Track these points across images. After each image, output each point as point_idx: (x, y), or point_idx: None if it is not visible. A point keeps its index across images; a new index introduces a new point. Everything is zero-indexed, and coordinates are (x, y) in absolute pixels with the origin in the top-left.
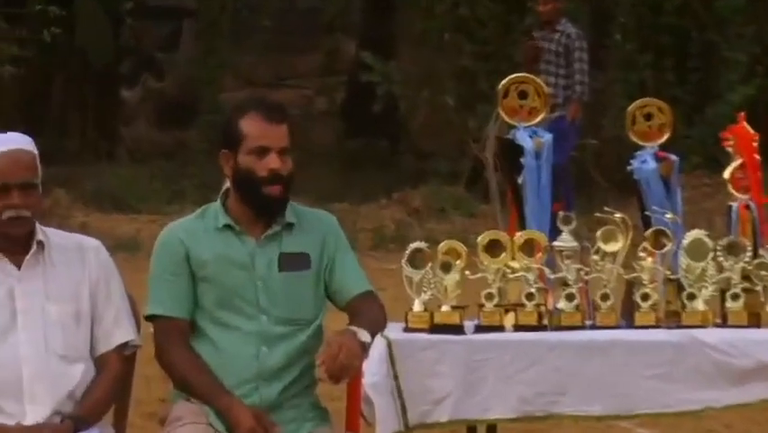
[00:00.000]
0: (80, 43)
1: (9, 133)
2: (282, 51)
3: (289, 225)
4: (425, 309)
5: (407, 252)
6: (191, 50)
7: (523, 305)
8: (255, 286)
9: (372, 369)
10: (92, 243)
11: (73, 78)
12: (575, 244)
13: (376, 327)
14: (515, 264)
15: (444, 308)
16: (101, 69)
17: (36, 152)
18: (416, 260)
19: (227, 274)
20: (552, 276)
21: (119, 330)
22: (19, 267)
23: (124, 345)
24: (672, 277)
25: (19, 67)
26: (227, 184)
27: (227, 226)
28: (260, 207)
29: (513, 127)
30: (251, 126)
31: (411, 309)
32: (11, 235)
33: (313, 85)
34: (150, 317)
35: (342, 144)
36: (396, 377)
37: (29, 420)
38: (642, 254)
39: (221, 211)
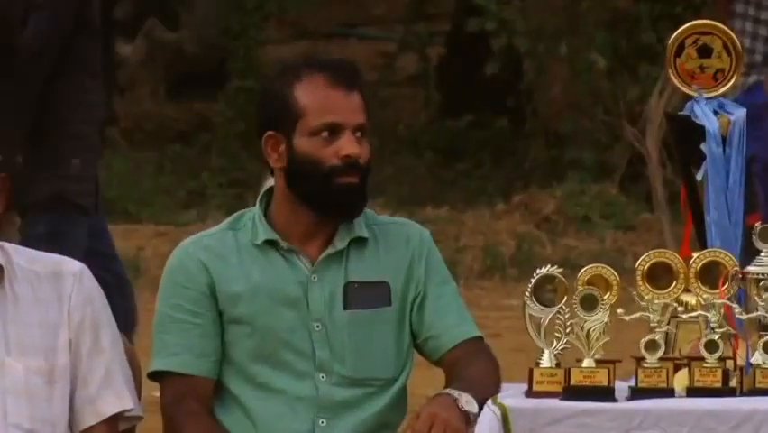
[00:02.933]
0: None
1: None
2: None
3: (359, 242)
4: (558, 365)
5: (533, 280)
6: None
7: (701, 358)
8: (309, 331)
9: None
10: (72, 266)
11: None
12: None
13: (485, 391)
14: (690, 299)
15: (586, 362)
16: None
17: None
18: (546, 292)
19: (269, 314)
20: (743, 316)
21: (110, 395)
22: None
23: (118, 416)
24: None
25: None
26: (270, 181)
27: (270, 243)
28: (330, 204)
29: (689, 99)
30: (313, 95)
31: (537, 364)
32: None
33: (396, 36)
34: (156, 375)
35: (440, 124)
36: None
37: None
38: None
39: (261, 221)
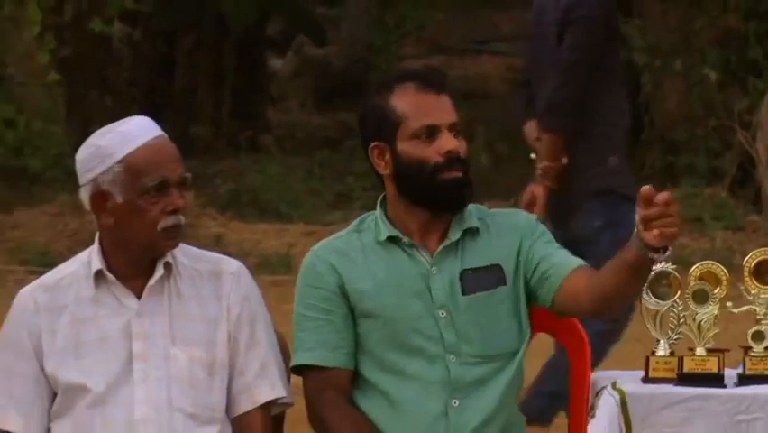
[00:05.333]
0: None
1: (134, 119)
2: (481, 7)
3: (472, 232)
4: (672, 353)
5: (650, 276)
6: (362, 5)
7: None
8: (435, 318)
9: (600, 431)
10: (231, 265)
11: (204, 43)
12: None
13: None
14: None
15: (698, 351)
16: (242, 32)
17: None
18: (661, 287)
19: (397, 305)
20: None
21: (265, 385)
22: (139, 296)
23: (272, 403)
24: None
25: (133, 26)
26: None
27: (392, 239)
28: (440, 199)
29: None
30: (408, 102)
31: (653, 353)
32: (163, 252)
33: (522, 51)
34: (297, 369)
35: None
36: None
37: None
38: None
39: (383, 220)
